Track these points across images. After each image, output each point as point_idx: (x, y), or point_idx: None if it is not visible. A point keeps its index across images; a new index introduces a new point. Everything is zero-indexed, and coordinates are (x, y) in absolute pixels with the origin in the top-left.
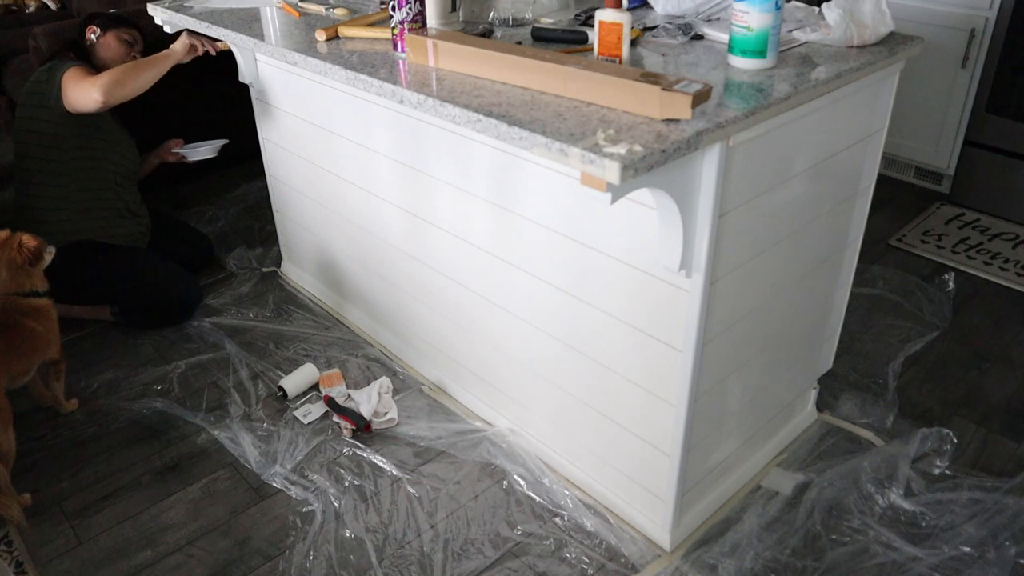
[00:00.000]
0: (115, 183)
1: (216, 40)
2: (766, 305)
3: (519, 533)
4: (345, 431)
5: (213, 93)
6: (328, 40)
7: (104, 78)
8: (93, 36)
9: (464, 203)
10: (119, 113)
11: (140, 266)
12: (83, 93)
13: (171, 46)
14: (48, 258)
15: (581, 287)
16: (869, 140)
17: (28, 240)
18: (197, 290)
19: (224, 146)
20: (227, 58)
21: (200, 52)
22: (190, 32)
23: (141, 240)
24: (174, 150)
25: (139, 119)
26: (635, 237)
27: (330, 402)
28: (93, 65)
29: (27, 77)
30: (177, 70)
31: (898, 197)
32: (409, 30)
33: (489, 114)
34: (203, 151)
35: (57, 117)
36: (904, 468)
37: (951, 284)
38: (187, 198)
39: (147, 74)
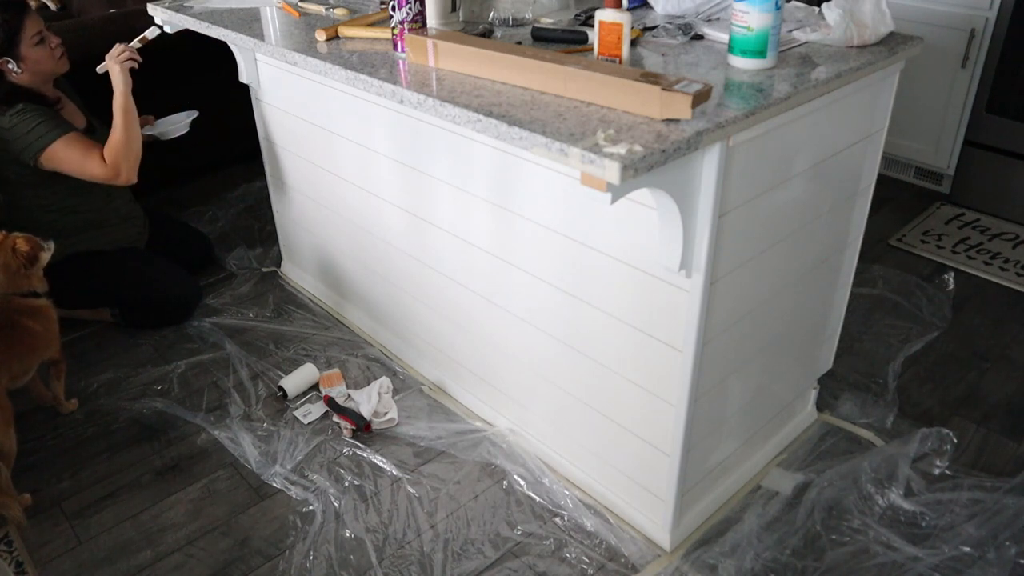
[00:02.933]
0: (104, 192)
1: (142, 36)
2: (766, 305)
3: (519, 533)
4: (345, 431)
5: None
6: (328, 40)
7: (118, 163)
8: (13, 67)
9: (464, 203)
10: (100, 115)
11: (139, 267)
12: (101, 177)
13: (113, 78)
14: (46, 255)
15: (581, 287)
16: (869, 140)
17: (22, 244)
18: (197, 290)
19: (196, 119)
20: (226, 57)
21: (136, 64)
22: (117, 48)
23: (138, 241)
24: (145, 130)
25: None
26: (635, 237)
27: (330, 402)
28: (37, 90)
29: None
30: (177, 71)
31: (898, 197)
32: (409, 30)
33: (489, 114)
34: (175, 128)
35: (31, 169)
36: (904, 468)
37: (951, 284)
38: (187, 198)
39: (130, 119)
